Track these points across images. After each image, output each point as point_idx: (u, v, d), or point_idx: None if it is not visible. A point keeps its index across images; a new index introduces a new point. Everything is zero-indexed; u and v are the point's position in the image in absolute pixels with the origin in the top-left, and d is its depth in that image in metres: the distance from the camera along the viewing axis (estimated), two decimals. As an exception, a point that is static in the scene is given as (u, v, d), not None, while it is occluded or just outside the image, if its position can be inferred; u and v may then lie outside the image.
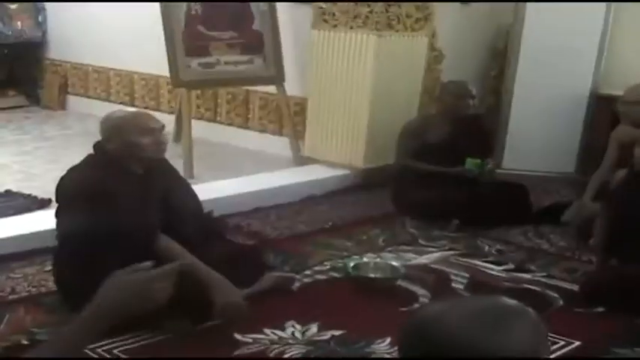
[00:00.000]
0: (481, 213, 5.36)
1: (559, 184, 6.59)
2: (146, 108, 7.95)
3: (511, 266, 4.72)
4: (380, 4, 6.11)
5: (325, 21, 6.35)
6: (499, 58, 7.27)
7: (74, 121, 8.51)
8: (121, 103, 8.37)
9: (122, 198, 3.58)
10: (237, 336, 3.58)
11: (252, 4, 6.74)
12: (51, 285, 3.96)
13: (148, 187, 3.76)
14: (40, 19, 9.20)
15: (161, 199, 3.79)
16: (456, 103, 5.56)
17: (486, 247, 5.05)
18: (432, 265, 4.67)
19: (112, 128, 3.75)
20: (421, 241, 5.10)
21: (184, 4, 6.45)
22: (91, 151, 3.87)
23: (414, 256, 4.81)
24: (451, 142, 5.53)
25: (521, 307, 1.52)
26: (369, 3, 6.13)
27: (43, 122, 8.46)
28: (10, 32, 9.05)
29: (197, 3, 6.51)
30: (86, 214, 3.55)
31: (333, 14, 6.29)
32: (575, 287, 4.34)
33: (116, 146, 3.71)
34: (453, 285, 4.40)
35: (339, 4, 6.26)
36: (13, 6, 9.09)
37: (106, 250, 3.44)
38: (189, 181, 4.52)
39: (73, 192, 3.67)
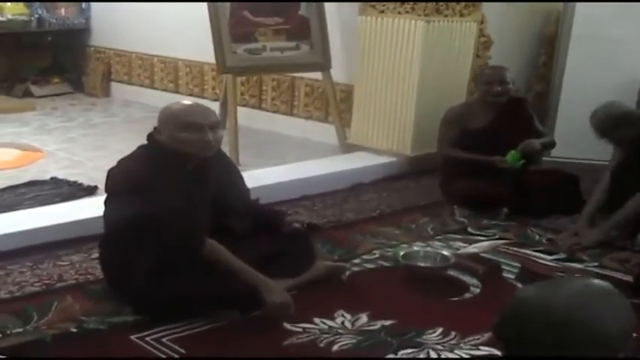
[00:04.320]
0: (531, 202, 5.27)
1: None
2: (190, 95, 7.98)
3: (562, 256, 4.63)
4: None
5: (373, 7, 6.28)
6: (548, 44, 7.16)
7: (119, 108, 8.54)
8: (164, 90, 8.39)
9: (170, 194, 3.48)
10: (287, 325, 3.54)
11: (299, -10, 6.69)
12: (98, 273, 3.94)
13: (199, 183, 3.62)
14: (83, 6, 9.26)
15: (214, 192, 3.71)
16: (488, 89, 5.45)
17: (537, 237, 4.96)
18: (482, 255, 4.60)
19: (162, 119, 3.61)
20: (471, 230, 5.02)
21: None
22: (138, 138, 3.82)
23: (463, 245, 4.75)
24: (491, 128, 5.43)
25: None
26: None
27: (87, 109, 8.49)
28: (54, 19, 9.11)
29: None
30: (130, 208, 3.48)
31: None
32: (629, 278, 4.23)
33: (164, 138, 3.58)
34: (504, 275, 4.31)
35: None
36: (57, -7, 9.15)
37: (147, 248, 3.45)
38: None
39: (121, 183, 3.61)
